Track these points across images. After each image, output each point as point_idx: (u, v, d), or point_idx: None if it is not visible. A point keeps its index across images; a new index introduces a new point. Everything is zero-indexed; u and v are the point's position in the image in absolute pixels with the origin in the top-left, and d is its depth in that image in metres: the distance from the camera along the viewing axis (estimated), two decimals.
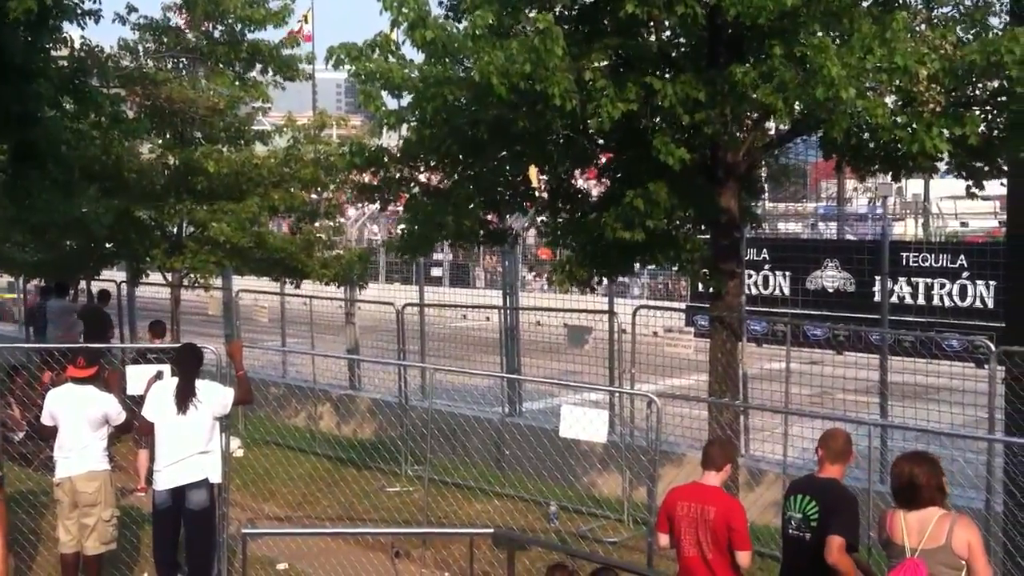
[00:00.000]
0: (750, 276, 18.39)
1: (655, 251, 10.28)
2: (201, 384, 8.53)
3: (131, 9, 16.41)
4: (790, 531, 6.67)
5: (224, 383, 8.94)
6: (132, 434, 10.72)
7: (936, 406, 11.63)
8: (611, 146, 10.76)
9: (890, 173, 10.20)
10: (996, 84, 9.08)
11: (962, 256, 17.18)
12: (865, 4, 9.27)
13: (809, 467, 8.78)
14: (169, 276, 17.12)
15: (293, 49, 17.02)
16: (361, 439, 15.33)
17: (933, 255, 17.45)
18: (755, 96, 8.54)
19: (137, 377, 9.23)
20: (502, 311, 16.42)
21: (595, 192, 12.47)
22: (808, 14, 8.40)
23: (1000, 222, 22.86)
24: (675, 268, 11.08)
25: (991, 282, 16.27)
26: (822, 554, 6.28)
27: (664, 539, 7.07)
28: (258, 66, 16.94)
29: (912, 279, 17.22)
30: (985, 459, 10.29)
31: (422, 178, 11.67)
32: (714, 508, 6.75)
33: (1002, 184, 10.49)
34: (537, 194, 11.41)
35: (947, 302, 17.00)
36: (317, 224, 17.43)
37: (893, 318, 14.10)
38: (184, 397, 8.39)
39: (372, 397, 16.80)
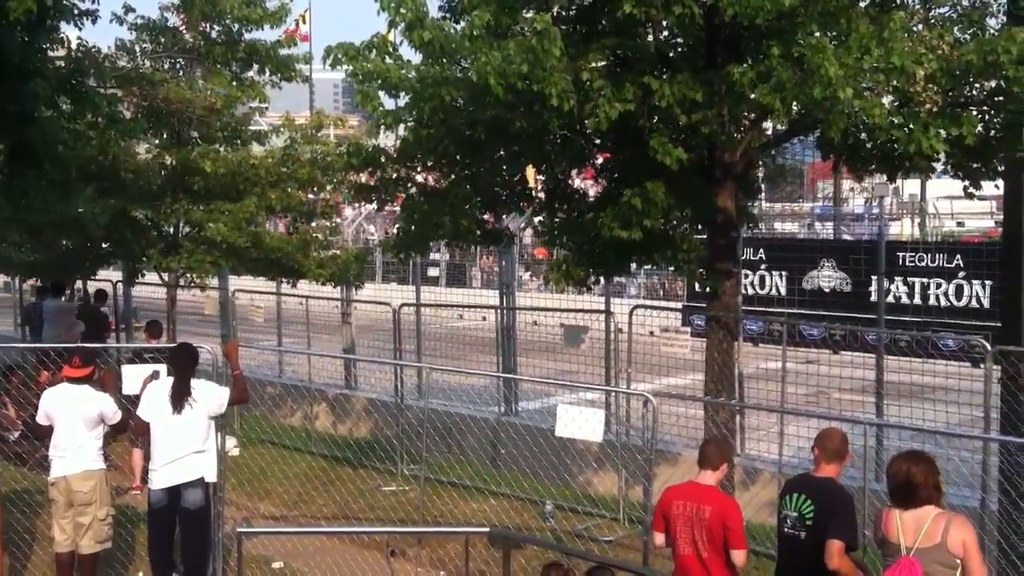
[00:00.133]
0: (746, 276, 18.42)
1: (652, 250, 10.30)
2: (196, 383, 8.52)
3: (128, 9, 16.38)
4: (785, 530, 6.68)
5: (220, 383, 8.94)
6: (128, 434, 10.71)
7: (932, 405, 11.65)
8: (608, 146, 10.77)
9: (887, 173, 10.20)
10: (993, 84, 9.10)
11: (958, 256, 17.23)
12: (862, 4, 9.28)
13: (805, 466, 8.79)
14: (165, 276, 17.10)
15: (290, 49, 17.03)
16: (357, 438, 15.32)
17: (929, 255, 17.49)
18: (752, 96, 8.56)
19: (133, 377, 9.23)
20: (498, 311, 16.42)
21: (592, 192, 12.49)
22: (806, 14, 8.41)
23: (996, 222, 22.88)
24: (672, 268, 11.09)
25: (987, 282, 16.31)
26: (817, 553, 6.29)
27: (660, 538, 7.07)
28: (255, 66, 16.92)
29: (908, 279, 17.26)
30: (980, 458, 10.32)
31: (419, 178, 11.66)
32: (710, 507, 6.75)
33: (996, 187, 10.51)
34: (534, 194, 11.42)
35: (943, 302, 17.04)
36: (314, 224, 17.42)
37: (889, 318, 14.12)
38: (179, 397, 8.38)
39: (368, 396, 16.79)
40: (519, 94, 8.72)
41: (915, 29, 9.41)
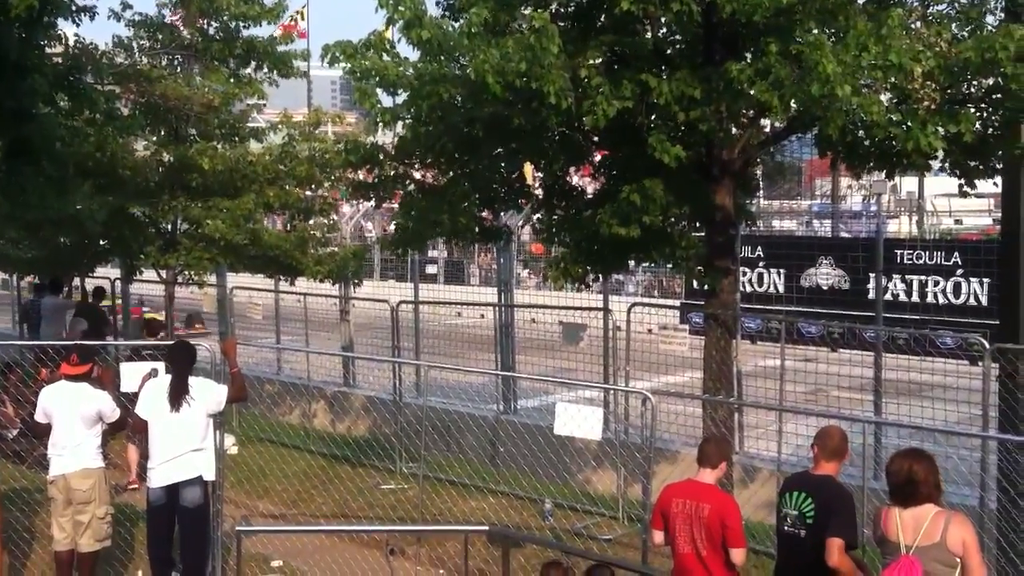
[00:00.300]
0: (745, 273, 18.43)
1: (650, 248, 10.29)
2: (194, 381, 8.50)
3: (126, 6, 16.38)
4: (785, 528, 6.66)
5: (218, 380, 8.93)
6: (126, 431, 10.70)
7: (930, 403, 11.67)
8: (606, 143, 10.76)
9: (885, 170, 10.19)
10: (991, 81, 9.09)
11: (956, 254, 17.24)
12: (860, 1, 9.27)
13: (803, 464, 8.79)
14: (163, 273, 17.09)
15: (288, 45, 17.01)
16: (356, 436, 15.33)
17: (927, 253, 17.50)
18: (751, 93, 8.54)
19: (131, 374, 9.21)
20: (497, 308, 16.41)
21: (590, 189, 12.48)
22: (804, 11, 8.41)
23: (994, 220, 22.92)
24: (670, 265, 11.09)
25: (985, 279, 16.33)
26: (817, 551, 6.28)
27: (659, 536, 7.07)
28: (253, 63, 16.92)
29: (906, 276, 17.27)
30: (979, 456, 10.33)
31: (417, 175, 11.66)
32: (708, 505, 6.75)
33: (995, 184, 10.51)
34: (532, 191, 11.42)
35: (941, 299, 17.05)
36: (312, 221, 17.42)
37: (887, 315, 14.14)
38: (177, 395, 8.36)
39: (367, 394, 16.79)
40: (517, 91, 8.71)
41: (913, 26, 9.40)
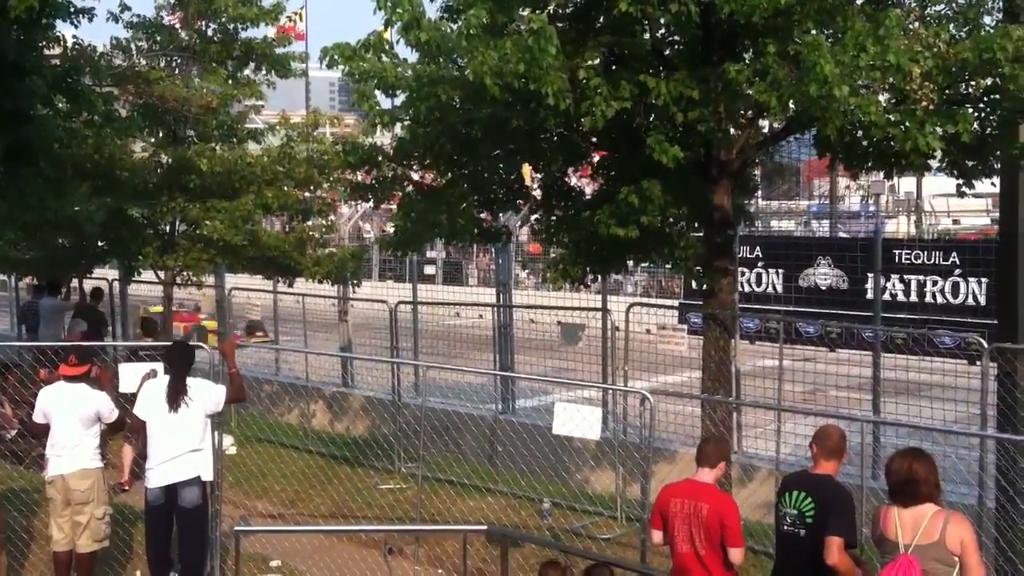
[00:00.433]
0: (743, 273, 18.45)
1: (649, 248, 10.30)
2: (192, 382, 8.50)
3: (124, 7, 16.36)
4: (784, 527, 6.66)
5: (217, 381, 8.93)
6: (124, 432, 10.69)
7: (928, 403, 11.68)
8: (605, 144, 10.77)
9: (883, 171, 10.20)
10: (989, 82, 9.09)
11: (954, 253, 17.28)
12: (858, 2, 9.28)
13: (802, 463, 8.80)
14: (162, 274, 17.08)
15: (286, 47, 17.01)
16: (354, 436, 15.33)
17: (925, 253, 17.54)
18: (749, 94, 8.55)
19: (130, 375, 9.21)
20: (495, 309, 16.42)
21: (588, 190, 12.49)
22: (802, 12, 8.40)
23: (992, 220, 22.93)
24: (669, 265, 11.10)
25: (983, 279, 16.36)
26: (817, 551, 6.29)
27: (657, 536, 7.07)
28: (251, 64, 16.92)
29: (905, 276, 17.30)
30: (977, 455, 10.33)
31: (416, 176, 11.66)
32: (707, 504, 6.76)
33: (992, 184, 10.52)
34: (531, 192, 11.42)
35: (939, 299, 17.08)
36: (310, 222, 17.41)
37: (886, 315, 14.15)
38: (175, 395, 8.36)
39: (365, 394, 16.79)
40: (515, 93, 8.73)
41: (911, 27, 9.40)
